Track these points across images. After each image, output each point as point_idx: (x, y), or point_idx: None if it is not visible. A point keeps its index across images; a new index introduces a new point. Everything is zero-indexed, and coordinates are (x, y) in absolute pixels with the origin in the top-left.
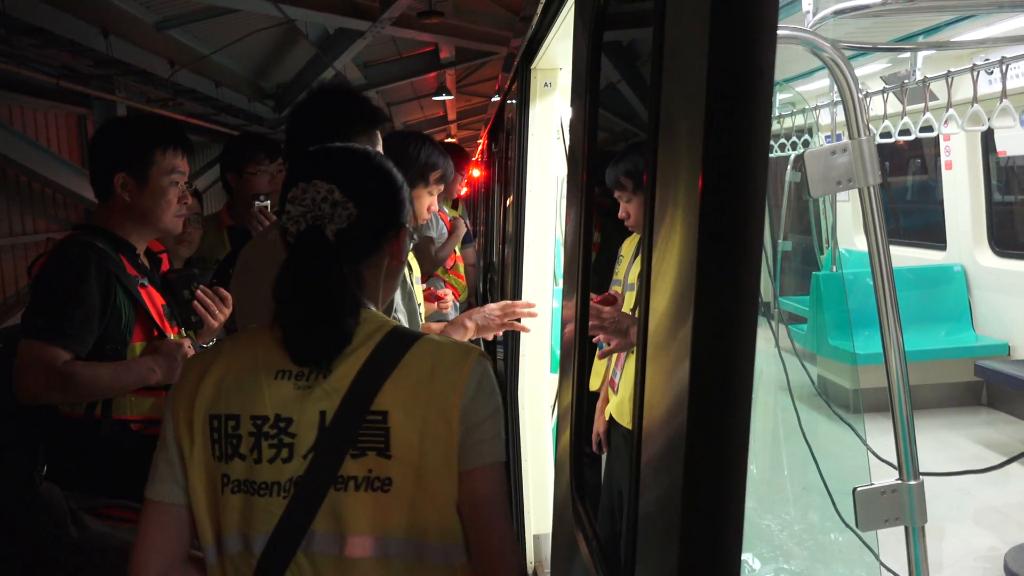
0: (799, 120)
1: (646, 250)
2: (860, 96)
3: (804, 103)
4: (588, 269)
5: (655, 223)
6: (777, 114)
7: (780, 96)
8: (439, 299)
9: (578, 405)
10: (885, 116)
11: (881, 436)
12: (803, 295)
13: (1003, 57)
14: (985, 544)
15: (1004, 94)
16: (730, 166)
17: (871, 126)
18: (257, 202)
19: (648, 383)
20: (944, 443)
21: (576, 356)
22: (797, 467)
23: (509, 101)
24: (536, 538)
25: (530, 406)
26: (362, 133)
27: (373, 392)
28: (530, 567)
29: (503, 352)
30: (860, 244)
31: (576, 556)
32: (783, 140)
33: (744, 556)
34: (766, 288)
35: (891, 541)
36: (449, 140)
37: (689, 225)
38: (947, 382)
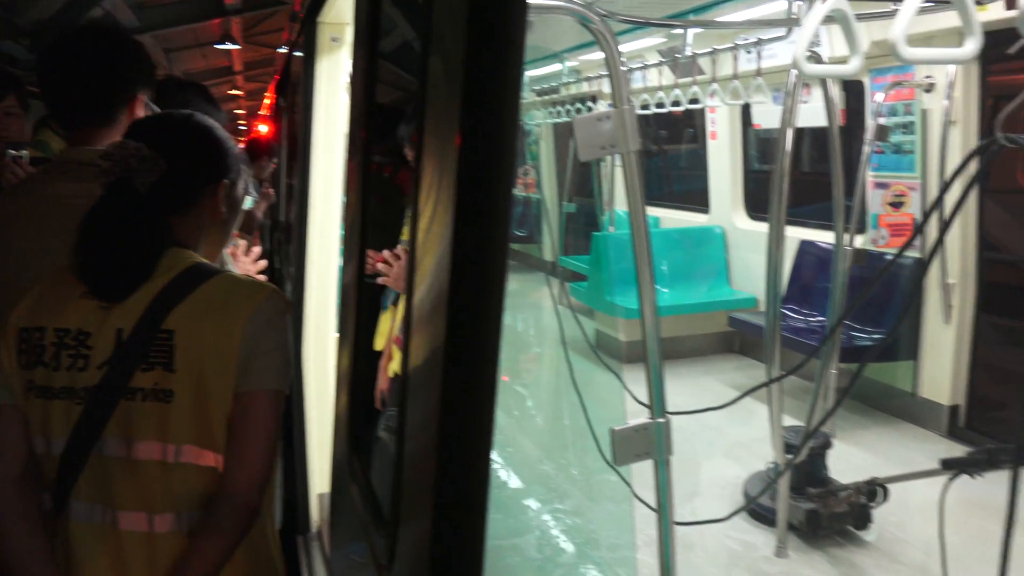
0: (584, 87)
1: (413, 212)
2: (624, 68)
3: (590, 71)
4: (366, 229)
5: (421, 185)
6: (564, 81)
7: (569, 64)
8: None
9: (355, 363)
10: (660, 87)
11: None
12: (585, 255)
13: (759, 39)
14: (732, 473)
15: (759, 72)
16: (483, 130)
17: (652, 95)
18: (11, 152)
19: (413, 339)
20: (702, 387)
21: (354, 316)
22: (576, 415)
23: (296, 54)
24: (320, 497)
25: (315, 366)
26: (123, 80)
27: (164, 314)
28: (314, 526)
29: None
30: None
31: (351, 509)
32: (569, 106)
33: (526, 501)
34: (551, 248)
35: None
36: (234, 92)
37: (448, 187)
38: (707, 332)
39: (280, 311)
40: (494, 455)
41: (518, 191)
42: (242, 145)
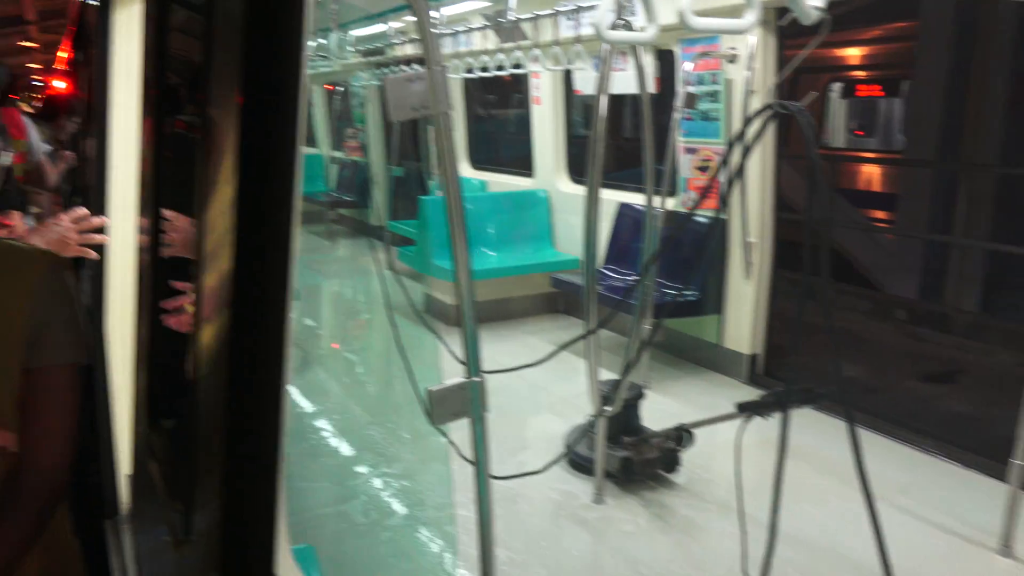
0: (410, 49)
1: (201, 168)
2: (446, 30)
3: (416, 33)
4: (160, 191)
5: (205, 144)
6: (389, 42)
7: (395, 25)
8: (6, 225)
9: (153, 336)
10: (484, 51)
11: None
12: (414, 219)
13: (578, 6)
14: (556, 427)
15: (579, 39)
16: (265, 89)
17: (477, 59)
18: None
19: (203, 310)
20: (529, 347)
21: (149, 285)
22: (405, 378)
23: (92, 2)
24: (128, 477)
25: (119, 342)
26: None
27: None
28: (125, 508)
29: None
30: (464, 170)
31: (152, 488)
32: (394, 68)
33: (356, 467)
34: (379, 213)
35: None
36: (27, 44)
37: (230, 145)
38: (533, 293)
39: (62, 279)
40: (324, 423)
41: (344, 155)
42: (38, 103)
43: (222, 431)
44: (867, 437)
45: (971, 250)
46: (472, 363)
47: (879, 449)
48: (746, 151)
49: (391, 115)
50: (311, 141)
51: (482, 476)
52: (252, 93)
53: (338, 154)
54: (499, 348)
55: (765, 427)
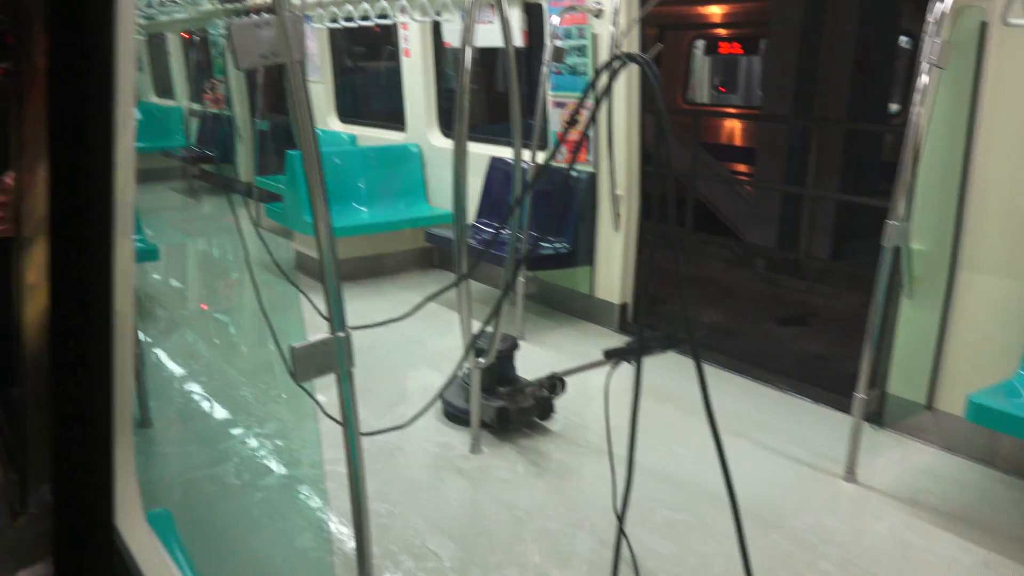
0: None
1: (15, 123)
2: None
3: None
4: None
5: (21, 94)
6: None
7: None
8: None
9: None
10: (349, 0)
11: (355, 300)
12: (281, 174)
13: None
14: (433, 381)
15: None
16: (66, 25)
17: (341, 9)
18: None
19: (25, 273)
20: (405, 302)
21: None
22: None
23: None
24: None
25: None
26: None
27: None
28: None
29: None
30: (333, 124)
31: None
32: (256, 15)
33: (228, 429)
34: (245, 168)
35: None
36: None
37: (42, 92)
38: (408, 249)
39: None
40: (193, 386)
41: (206, 107)
42: None
43: (50, 399)
44: (728, 378)
45: (822, 201)
46: (336, 319)
47: (738, 389)
48: (597, 102)
49: (237, 63)
50: (168, 93)
51: (351, 432)
52: (60, 31)
53: (198, 107)
54: (374, 304)
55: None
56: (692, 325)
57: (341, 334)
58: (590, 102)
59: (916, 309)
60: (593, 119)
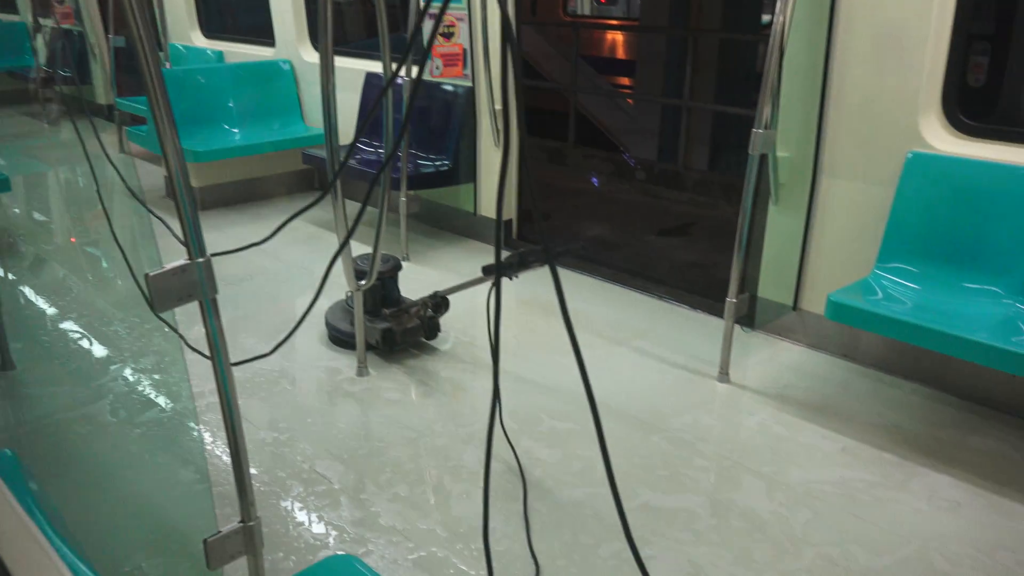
0: None
1: None
2: None
3: None
4: None
5: None
6: None
7: None
8: None
9: None
10: None
11: (233, 226)
12: (144, 95)
13: None
14: (319, 305)
15: None
16: None
17: None
18: None
19: None
20: (288, 227)
21: None
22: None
23: None
24: None
25: None
26: None
27: None
28: None
29: None
30: (197, 40)
31: None
32: None
33: (108, 368)
34: (104, 89)
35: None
36: None
37: None
38: (287, 171)
39: None
40: (65, 324)
41: (54, 23)
42: None
43: None
44: (610, 289)
45: (699, 112)
46: (193, 244)
47: (621, 300)
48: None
49: None
50: (9, 6)
51: (220, 362)
52: None
53: (46, 22)
54: (253, 230)
55: (522, 288)
56: (547, 238)
57: (200, 259)
58: (464, 13)
59: (782, 215)
60: (433, 37)
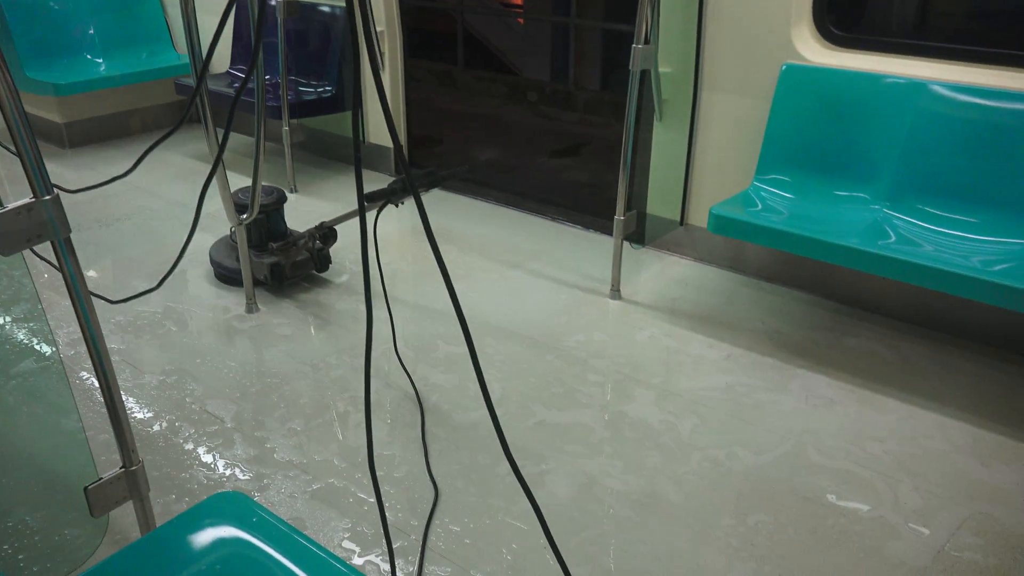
0: None
1: None
2: None
3: None
4: None
5: None
6: None
7: None
8: None
9: None
10: None
11: (105, 164)
12: None
13: None
14: (205, 242)
15: None
16: None
17: None
18: None
19: None
20: (167, 163)
21: None
22: None
23: None
24: None
25: None
26: None
27: None
28: None
29: None
30: None
31: None
32: None
33: None
34: None
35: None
36: None
37: None
38: (161, 103)
39: None
40: None
41: None
42: None
43: None
44: (504, 213)
45: (590, 31)
46: (37, 181)
47: (514, 223)
48: None
49: None
50: None
51: (82, 304)
52: None
53: None
54: (127, 166)
55: (415, 215)
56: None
57: (47, 197)
58: None
59: (666, 131)
60: None
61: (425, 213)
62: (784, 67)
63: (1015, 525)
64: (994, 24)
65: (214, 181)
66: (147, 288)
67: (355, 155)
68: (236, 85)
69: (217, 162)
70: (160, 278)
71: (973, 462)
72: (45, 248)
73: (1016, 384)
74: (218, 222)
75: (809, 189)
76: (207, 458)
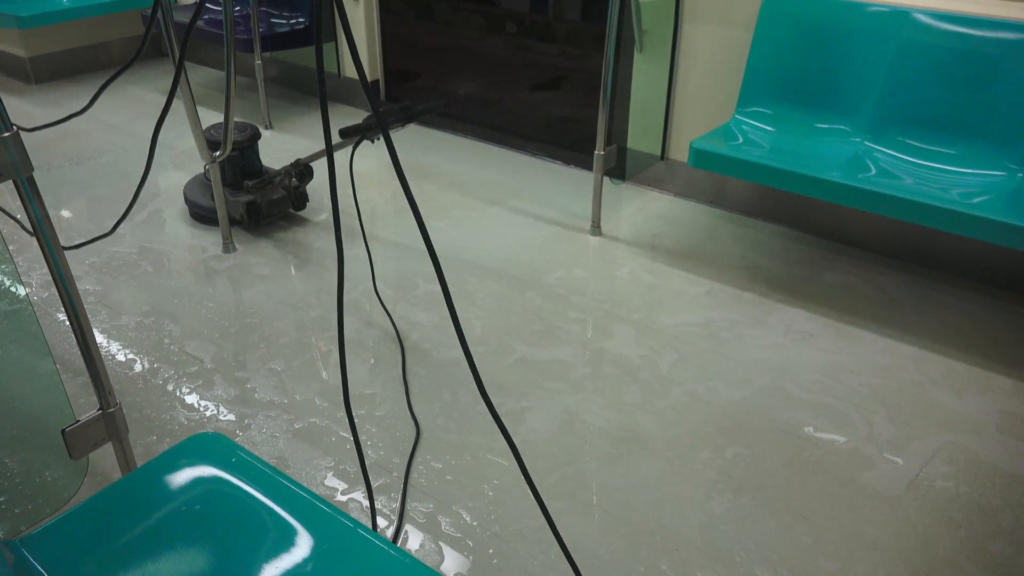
0: None
1: None
2: None
3: None
4: None
5: None
6: None
7: None
8: None
9: None
10: None
11: (75, 99)
12: None
13: None
14: (180, 180)
15: None
16: None
17: None
18: None
19: None
20: (136, 98)
21: None
22: None
23: None
24: None
25: None
26: None
27: None
28: None
29: None
30: None
31: None
32: None
33: None
34: None
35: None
36: None
37: None
38: (129, 36)
39: None
40: None
41: None
42: None
43: None
44: (484, 149)
45: None
46: None
47: (495, 159)
48: None
49: None
50: None
51: (48, 245)
52: None
53: None
54: (102, 103)
55: (378, 149)
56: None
57: (5, 134)
58: None
59: (647, 63)
60: None
61: (394, 149)
62: None
63: (986, 454)
64: None
65: (185, 118)
66: (102, 233)
67: (320, 90)
68: (207, 17)
69: (171, 95)
70: (136, 221)
71: (947, 393)
72: (12, 196)
73: (991, 316)
74: (192, 160)
75: (790, 122)
76: (188, 399)
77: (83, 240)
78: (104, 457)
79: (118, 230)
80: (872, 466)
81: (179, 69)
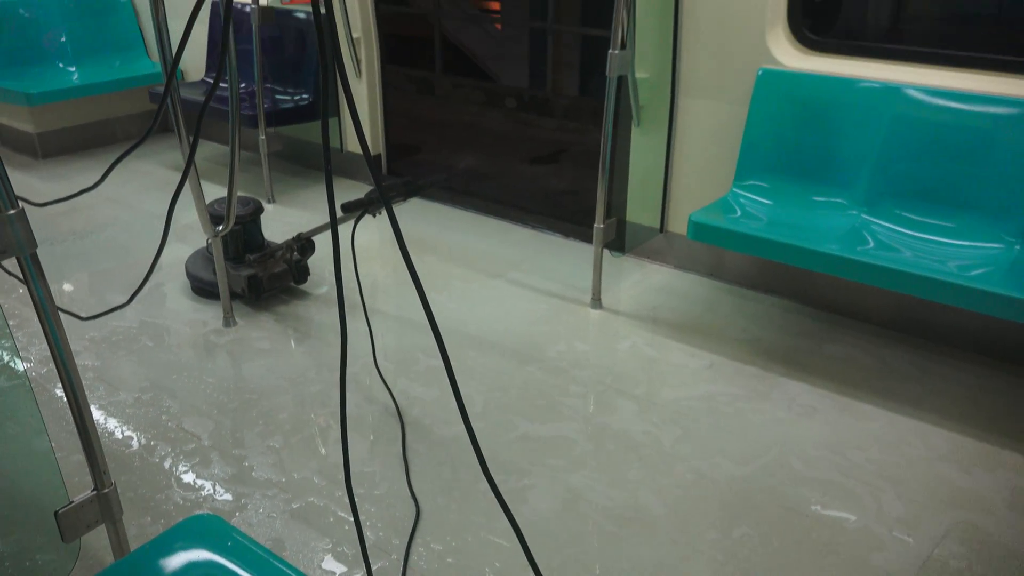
0: None
1: None
2: None
3: None
4: None
5: None
6: None
7: None
8: None
9: None
10: None
11: (81, 174)
12: None
13: None
14: (182, 254)
15: None
16: None
17: None
18: None
19: None
20: (142, 172)
21: None
22: None
23: None
24: None
25: None
26: None
27: None
28: None
29: None
30: None
31: None
32: None
33: None
34: None
35: None
36: None
37: None
38: (135, 112)
39: None
40: None
41: None
42: None
43: None
44: (483, 221)
45: (567, 37)
46: (0, 194)
47: (494, 231)
48: None
49: None
50: None
51: (49, 321)
52: None
53: None
54: (112, 177)
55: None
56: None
57: (11, 212)
58: None
59: (645, 137)
60: None
61: (397, 223)
62: (760, 72)
63: (999, 534)
64: (967, 28)
65: (187, 192)
66: (118, 304)
67: (325, 168)
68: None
69: (186, 173)
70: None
71: (955, 469)
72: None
73: (995, 389)
74: (195, 233)
75: (787, 195)
76: (184, 478)
77: (101, 311)
78: (97, 538)
79: (117, 303)
80: (883, 547)
81: (193, 147)
